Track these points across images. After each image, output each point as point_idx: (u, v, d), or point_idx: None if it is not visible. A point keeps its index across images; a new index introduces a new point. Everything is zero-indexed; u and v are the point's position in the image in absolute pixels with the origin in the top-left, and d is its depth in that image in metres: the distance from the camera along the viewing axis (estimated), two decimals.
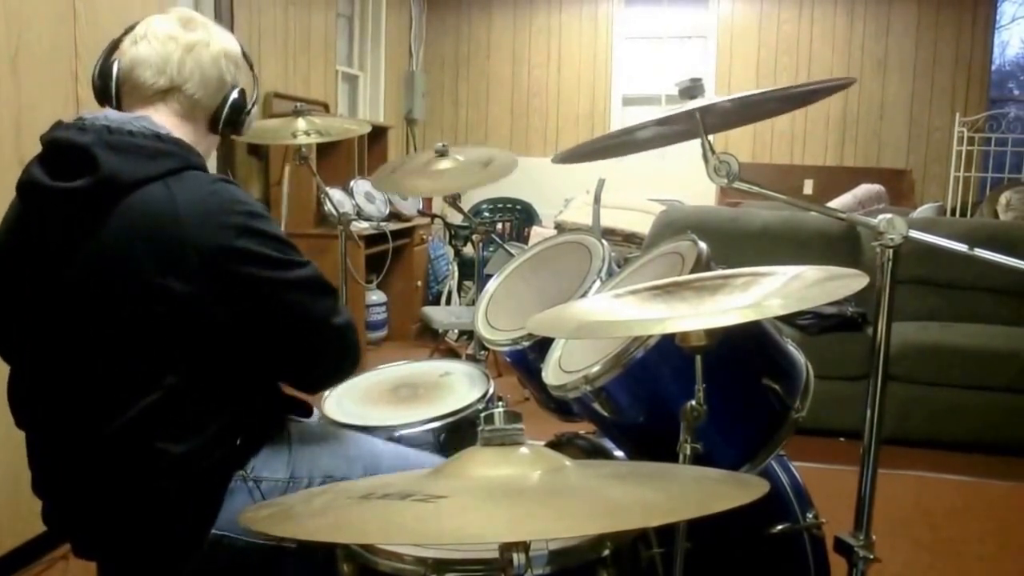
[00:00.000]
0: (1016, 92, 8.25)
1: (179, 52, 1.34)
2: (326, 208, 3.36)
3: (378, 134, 5.48)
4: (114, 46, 1.38)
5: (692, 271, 1.37)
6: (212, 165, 1.41)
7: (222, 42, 1.39)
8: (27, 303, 1.29)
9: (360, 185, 5.01)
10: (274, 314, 1.27)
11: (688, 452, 1.15)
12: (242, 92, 1.42)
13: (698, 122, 1.31)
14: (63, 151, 1.25)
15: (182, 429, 1.24)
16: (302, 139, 2.63)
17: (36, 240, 1.28)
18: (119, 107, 1.35)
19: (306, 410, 1.51)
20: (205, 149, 1.40)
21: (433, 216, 5.57)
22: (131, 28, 1.37)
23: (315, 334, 1.32)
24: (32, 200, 1.28)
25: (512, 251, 2.42)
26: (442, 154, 2.46)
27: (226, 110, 1.40)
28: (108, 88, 1.35)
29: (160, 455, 1.23)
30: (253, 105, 1.46)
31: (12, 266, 1.30)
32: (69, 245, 1.24)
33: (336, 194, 4.53)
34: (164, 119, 1.34)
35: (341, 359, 1.38)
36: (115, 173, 1.22)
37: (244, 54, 1.45)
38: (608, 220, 5.03)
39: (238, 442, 1.31)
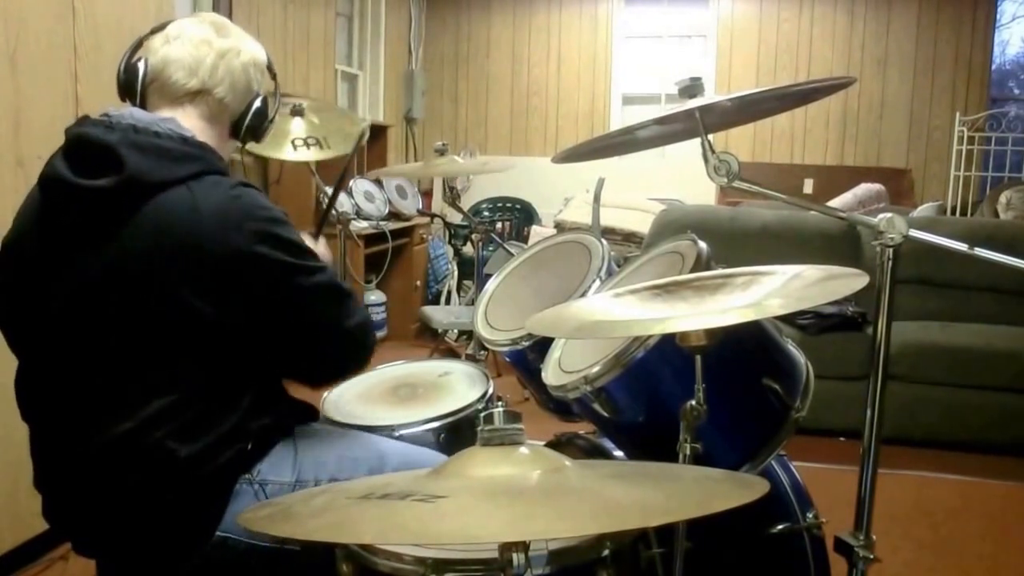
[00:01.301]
0: (1016, 91, 8.25)
1: (212, 56, 1.36)
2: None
3: (377, 133, 5.48)
4: (140, 43, 1.39)
5: (692, 271, 1.37)
6: None
7: (252, 51, 1.43)
8: (42, 297, 1.28)
9: (359, 184, 5.01)
10: (289, 319, 1.29)
11: (688, 452, 1.14)
12: (265, 100, 1.45)
13: (698, 121, 1.31)
14: (88, 147, 1.25)
15: (190, 432, 1.24)
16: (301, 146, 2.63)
17: (56, 234, 1.27)
18: (143, 104, 1.36)
19: (313, 415, 1.51)
20: (225, 153, 1.42)
21: (432, 215, 5.58)
22: (161, 27, 1.39)
23: (329, 338, 1.34)
24: (54, 194, 1.27)
25: (512, 250, 2.42)
26: (441, 153, 2.46)
27: (249, 117, 1.43)
28: (134, 84, 1.36)
29: (166, 457, 1.23)
30: (275, 114, 1.49)
31: (29, 258, 1.30)
32: (89, 243, 1.24)
33: None
34: (190, 121, 1.35)
35: (351, 359, 1.42)
36: (140, 174, 1.22)
37: (269, 64, 1.48)
38: (608, 219, 5.03)
39: (249, 447, 1.31)
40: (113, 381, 1.25)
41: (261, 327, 1.27)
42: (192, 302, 1.20)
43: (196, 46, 1.35)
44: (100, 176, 1.22)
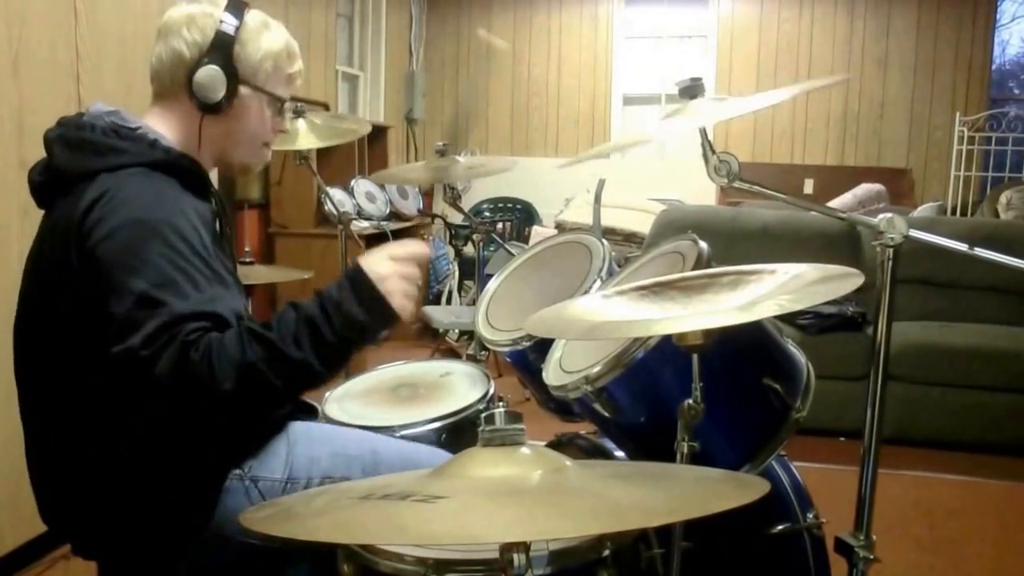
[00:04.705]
0: (1016, 91, 8.24)
1: (156, 40, 1.33)
2: (326, 208, 3.36)
3: (378, 134, 5.48)
4: None
5: (693, 271, 1.37)
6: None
7: (188, 9, 1.31)
8: (22, 302, 1.30)
9: (361, 184, 5.01)
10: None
11: (685, 451, 1.15)
12: (212, 56, 1.29)
13: (699, 123, 1.30)
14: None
15: (178, 434, 1.23)
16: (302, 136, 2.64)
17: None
18: None
19: (310, 412, 1.50)
20: (189, 131, 1.33)
21: (433, 216, 5.58)
22: None
23: (122, 348, 1.12)
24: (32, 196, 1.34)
25: (512, 251, 2.42)
26: (442, 153, 2.47)
27: (194, 86, 1.29)
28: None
29: (155, 454, 1.23)
30: (229, 69, 1.30)
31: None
32: (36, 240, 1.28)
33: (337, 194, 4.52)
34: (154, 112, 1.34)
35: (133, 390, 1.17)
36: (63, 167, 1.24)
37: (234, 4, 1.32)
38: (608, 220, 5.03)
39: (236, 442, 1.31)
40: (90, 387, 1.23)
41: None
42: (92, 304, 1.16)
43: (155, 36, 1.33)
44: (45, 174, 1.27)
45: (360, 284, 1.17)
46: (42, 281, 1.25)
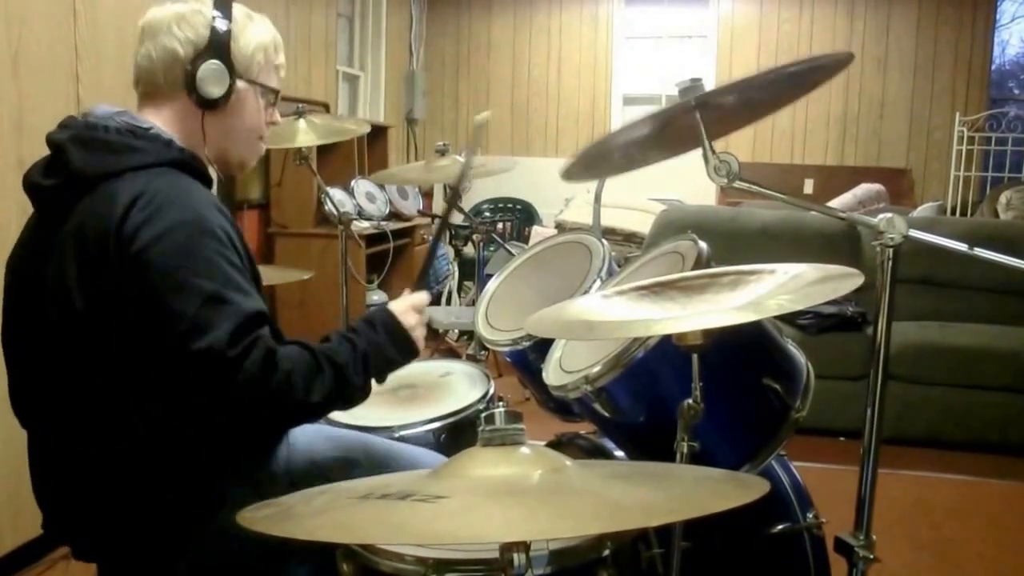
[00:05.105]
0: (1016, 91, 8.24)
1: (142, 40, 1.32)
2: (327, 208, 3.36)
3: (378, 134, 5.48)
4: None
5: (693, 271, 1.37)
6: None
7: (174, 8, 1.30)
8: (18, 303, 1.30)
9: (361, 185, 5.01)
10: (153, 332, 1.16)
11: (685, 451, 1.15)
12: (210, 53, 1.28)
13: (698, 121, 1.30)
14: (50, 149, 1.27)
15: (180, 434, 1.23)
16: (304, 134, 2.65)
17: (34, 239, 1.29)
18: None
19: None
20: (189, 129, 1.32)
21: (434, 216, 5.57)
22: None
23: (180, 359, 1.13)
24: (30, 198, 1.31)
25: (512, 251, 2.42)
26: (442, 153, 2.47)
27: (196, 79, 1.28)
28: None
29: (155, 456, 1.23)
30: (227, 64, 1.29)
31: (16, 266, 1.32)
32: (45, 243, 1.25)
33: (337, 194, 4.52)
34: (149, 113, 1.33)
35: (212, 389, 1.15)
36: (80, 169, 1.22)
37: (221, 0, 1.31)
38: (608, 220, 5.03)
39: (236, 444, 1.31)
40: (88, 384, 1.23)
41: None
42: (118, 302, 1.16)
43: (138, 38, 1.32)
44: (53, 176, 1.24)
45: (396, 331, 1.33)
46: (48, 281, 1.23)
